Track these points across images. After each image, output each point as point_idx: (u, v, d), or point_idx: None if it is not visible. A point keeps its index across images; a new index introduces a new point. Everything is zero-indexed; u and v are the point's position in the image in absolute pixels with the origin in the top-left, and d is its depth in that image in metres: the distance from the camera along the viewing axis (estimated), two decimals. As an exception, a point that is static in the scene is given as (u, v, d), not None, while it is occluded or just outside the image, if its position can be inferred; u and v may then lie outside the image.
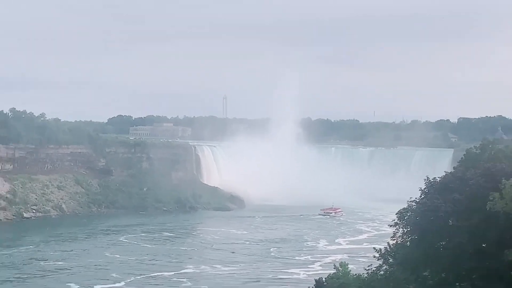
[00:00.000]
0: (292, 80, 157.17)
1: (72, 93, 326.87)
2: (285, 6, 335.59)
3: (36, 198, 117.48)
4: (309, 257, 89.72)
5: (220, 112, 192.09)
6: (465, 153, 27.85)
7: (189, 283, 72.48)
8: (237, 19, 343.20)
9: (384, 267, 23.46)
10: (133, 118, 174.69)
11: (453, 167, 29.74)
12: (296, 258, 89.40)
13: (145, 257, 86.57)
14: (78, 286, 70.47)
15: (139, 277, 74.63)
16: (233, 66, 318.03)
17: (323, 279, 35.28)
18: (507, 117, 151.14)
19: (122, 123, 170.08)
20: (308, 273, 75.42)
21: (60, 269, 79.74)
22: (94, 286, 68.82)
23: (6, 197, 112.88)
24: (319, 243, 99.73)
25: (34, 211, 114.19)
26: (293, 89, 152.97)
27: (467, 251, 19.36)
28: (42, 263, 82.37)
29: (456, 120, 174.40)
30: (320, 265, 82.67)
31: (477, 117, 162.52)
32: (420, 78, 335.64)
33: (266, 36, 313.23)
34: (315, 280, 36.67)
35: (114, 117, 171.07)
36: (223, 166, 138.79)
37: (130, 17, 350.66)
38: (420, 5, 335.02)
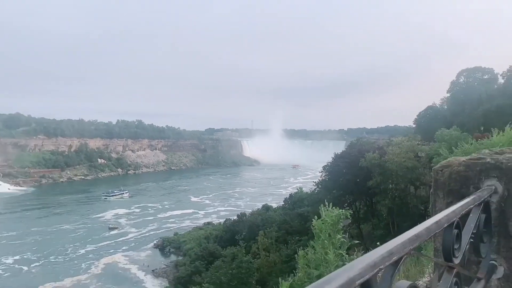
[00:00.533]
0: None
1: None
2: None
3: (176, 160, 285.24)
4: (286, 185, 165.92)
5: (250, 125, 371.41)
6: (349, 143, 54.41)
7: (237, 195, 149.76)
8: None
9: (317, 189, 47.79)
10: (215, 129, 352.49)
11: (345, 148, 58.33)
12: (281, 185, 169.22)
13: (219, 185, 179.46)
14: (194, 196, 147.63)
15: (216, 193, 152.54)
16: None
17: (292, 194, 72.58)
18: (368, 127, 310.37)
19: (211, 131, 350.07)
20: (286, 191, 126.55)
21: (185, 189, 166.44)
22: (201, 196, 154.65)
23: (164, 160, 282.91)
24: (290, 179, 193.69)
25: (176, 166, 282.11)
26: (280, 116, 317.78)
27: (351, 181, 40.03)
28: (178, 187, 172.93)
29: (347, 129, 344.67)
30: (291, 188, 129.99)
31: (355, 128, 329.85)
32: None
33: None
34: (289, 194, 75.04)
35: (208, 128, 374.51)
36: (251, 148, 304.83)
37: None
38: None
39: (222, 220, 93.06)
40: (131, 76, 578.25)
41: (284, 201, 78.23)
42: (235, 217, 75.29)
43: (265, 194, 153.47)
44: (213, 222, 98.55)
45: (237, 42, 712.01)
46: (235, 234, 63.84)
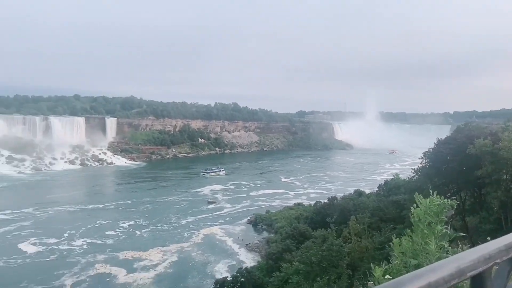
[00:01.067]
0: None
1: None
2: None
3: (268, 142, 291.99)
4: (380, 171, 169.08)
5: (343, 108, 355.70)
6: (455, 128, 47.12)
7: (327, 178, 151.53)
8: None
9: (415, 177, 43.52)
10: (306, 111, 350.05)
11: (450, 133, 50.45)
12: (375, 171, 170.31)
13: (310, 167, 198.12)
14: (285, 177, 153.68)
15: (306, 175, 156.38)
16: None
17: (388, 180, 69.29)
18: (478, 111, 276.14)
19: (302, 114, 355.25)
20: (380, 177, 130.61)
21: (276, 170, 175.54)
22: (291, 177, 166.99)
23: (256, 141, 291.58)
24: (386, 165, 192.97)
25: (267, 147, 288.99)
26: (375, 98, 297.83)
27: (456, 170, 35.78)
28: (269, 167, 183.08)
29: (452, 112, 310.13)
30: (386, 175, 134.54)
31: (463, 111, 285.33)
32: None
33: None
34: (384, 181, 72.58)
35: (299, 110, 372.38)
36: (343, 131, 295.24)
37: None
38: None
39: (312, 202, 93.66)
40: (229, 63, 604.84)
41: (378, 187, 75.38)
42: (326, 200, 75.09)
43: (357, 179, 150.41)
44: (303, 203, 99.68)
45: (331, 23, 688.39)
46: (325, 217, 63.89)
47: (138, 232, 77.05)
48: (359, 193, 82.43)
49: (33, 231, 74.96)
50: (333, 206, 67.09)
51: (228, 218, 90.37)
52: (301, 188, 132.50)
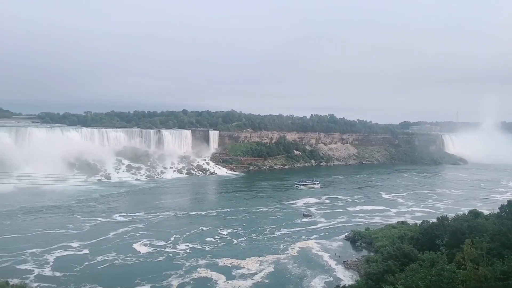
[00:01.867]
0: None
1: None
2: None
3: (367, 155, 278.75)
4: (502, 189, 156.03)
5: (454, 118, 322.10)
6: None
7: (436, 196, 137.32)
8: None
9: None
10: (410, 122, 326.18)
11: None
12: (496, 189, 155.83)
13: (415, 183, 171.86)
14: (386, 193, 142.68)
15: (411, 192, 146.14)
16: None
17: None
18: None
19: (406, 125, 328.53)
20: (502, 196, 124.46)
21: (376, 185, 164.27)
22: (392, 193, 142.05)
23: (354, 154, 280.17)
24: (509, 183, 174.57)
25: (367, 160, 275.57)
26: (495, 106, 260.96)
27: None
28: (369, 182, 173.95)
29: None
30: (510, 194, 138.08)
31: None
32: None
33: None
34: (507, 201, 58.93)
35: (403, 121, 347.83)
36: (455, 144, 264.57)
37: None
38: None
39: (417, 221, 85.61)
40: (324, 75, 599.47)
41: (500, 208, 65.27)
42: (434, 220, 67.80)
43: (472, 198, 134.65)
44: (407, 222, 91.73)
45: (438, 27, 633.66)
46: (434, 239, 57.56)
47: (235, 241, 79.67)
48: (475, 213, 72.53)
49: (145, 233, 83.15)
50: (443, 227, 60.07)
51: (323, 233, 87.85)
52: (405, 206, 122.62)
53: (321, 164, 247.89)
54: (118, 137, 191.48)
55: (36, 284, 54.46)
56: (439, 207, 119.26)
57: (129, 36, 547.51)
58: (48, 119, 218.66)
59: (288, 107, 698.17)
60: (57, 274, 59.17)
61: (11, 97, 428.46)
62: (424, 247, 53.62)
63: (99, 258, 66.58)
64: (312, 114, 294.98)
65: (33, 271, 60.09)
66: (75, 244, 73.44)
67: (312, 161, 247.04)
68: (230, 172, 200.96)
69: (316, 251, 74.44)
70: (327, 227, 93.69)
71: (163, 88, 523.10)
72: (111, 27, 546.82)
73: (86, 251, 70.03)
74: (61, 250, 69.81)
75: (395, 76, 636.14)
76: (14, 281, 54.13)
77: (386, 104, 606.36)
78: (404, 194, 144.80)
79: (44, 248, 70.21)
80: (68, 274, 59.12)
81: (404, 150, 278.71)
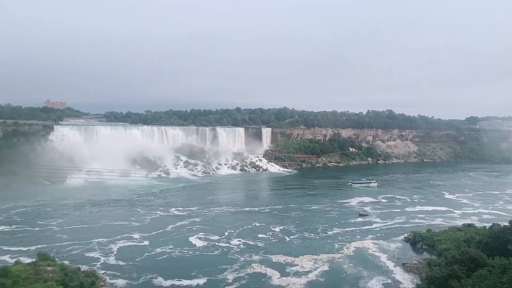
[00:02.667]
0: None
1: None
2: None
3: (428, 152, 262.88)
4: None
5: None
6: None
7: (507, 198, 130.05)
8: None
9: None
10: (478, 117, 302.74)
11: None
12: None
13: (483, 183, 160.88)
14: (449, 193, 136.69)
15: (478, 192, 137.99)
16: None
17: None
18: None
19: (473, 120, 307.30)
20: None
21: (438, 184, 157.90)
22: (457, 193, 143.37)
23: (415, 152, 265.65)
24: None
25: (428, 158, 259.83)
26: None
27: None
28: (430, 181, 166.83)
29: None
30: None
31: None
32: None
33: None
34: None
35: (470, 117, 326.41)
36: None
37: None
38: None
39: (486, 224, 79.17)
40: (382, 68, 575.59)
41: None
42: (506, 223, 62.02)
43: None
44: (474, 225, 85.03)
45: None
46: (505, 243, 52.74)
47: (287, 238, 79.25)
48: (555, 217, 65.25)
49: (201, 227, 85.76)
50: (516, 231, 54.77)
51: (380, 233, 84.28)
52: (471, 207, 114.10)
53: (378, 162, 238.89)
54: (176, 134, 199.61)
55: (102, 271, 58.39)
56: (510, 210, 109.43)
57: (186, 37, 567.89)
58: (113, 118, 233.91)
59: (343, 104, 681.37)
60: (121, 263, 62.98)
61: (81, 99, 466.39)
62: (494, 252, 49.36)
63: (158, 249, 69.81)
64: (368, 110, 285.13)
65: (100, 259, 64.58)
66: (136, 236, 77.73)
67: (369, 159, 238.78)
68: (283, 169, 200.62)
69: (373, 251, 71.64)
70: (384, 227, 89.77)
71: (218, 87, 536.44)
72: (170, 31, 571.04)
73: (146, 242, 73.81)
74: (124, 241, 74.28)
75: (460, 68, 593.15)
76: (83, 267, 58.68)
77: (450, 99, 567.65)
78: (470, 194, 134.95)
79: (109, 238, 75.19)
80: (130, 263, 62.70)
81: (470, 147, 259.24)
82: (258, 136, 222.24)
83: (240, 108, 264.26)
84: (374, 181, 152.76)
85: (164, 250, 69.77)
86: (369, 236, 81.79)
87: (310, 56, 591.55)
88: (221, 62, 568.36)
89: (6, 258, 62.94)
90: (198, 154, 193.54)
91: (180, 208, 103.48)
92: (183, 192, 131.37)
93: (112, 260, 64.16)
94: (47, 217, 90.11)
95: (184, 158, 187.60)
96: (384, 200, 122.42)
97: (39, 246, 68.28)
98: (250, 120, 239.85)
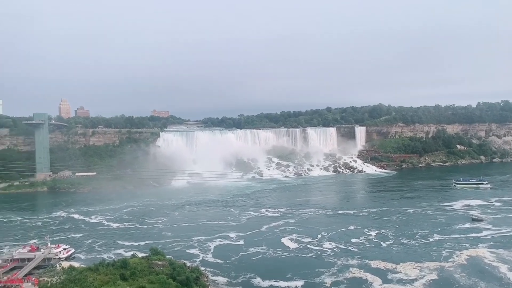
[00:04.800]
0: None
1: None
2: None
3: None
4: None
5: None
6: None
7: None
8: None
9: None
10: None
11: None
12: None
13: None
14: None
15: None
16: None
17: None
18: None
19: None
20: None
21: None
22: None
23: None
24: None
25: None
26: None
27: None
28: None
29: None
30: None
31: None
32: None
33: None
34: None
35: None
36: None
37: None
38: None
39: None
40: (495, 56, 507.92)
41: None
42: None
43: None
44: None
45: None
46: None
47: (384, 243, 73.92)
48: None
49: (294, 228, 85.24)
50: None
51: (497, 241, 73.44)
52: None
53: (493, 160, 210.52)
54: (267, 137, 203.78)
55: (203, 268, 61.59)
56: None
57: (276, 41, 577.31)
58: (210, 123, 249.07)
59: (447, 96, 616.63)
60: (218, 260, 65.83)
61: (182, 107, 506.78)
62: None
63: (252, 249, 71.23)
64: (479, 102, 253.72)
65: (199, 256, 68.46)
66: (232, 235, 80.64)
67: (482, 157, 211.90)
68: (380, 170, 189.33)
69: (490, 261, 62.63)
70: (499, 235, 78.00)
71: (307, 88, 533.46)
72: (260, 34, 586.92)
73: (241, 242, 76.01)
74: (221, 239, 77.65)
75: None
76: (188, 263, 62.62)
77: None
78: None
79: (207, 236, 79.41)
80: (227, 262, 65.12)
81: None
82: (351, 135, 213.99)
83: (331, 107, 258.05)
84: (486, 181, 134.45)
85: (258, 250, 70.90)
86: (481, 244, 71.97)
87: (408, 47, 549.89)
88: (311, 62, 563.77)
89: (122, 251, 70.81)
90: (290, 155, 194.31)
91: (273, 209, 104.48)
92: (275, 193, 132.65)
93: (210, 258, 67.44)
94: (152, 216, 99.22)
95: (276, 160, 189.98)
96: (498, 204, 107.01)
97: (147, 242, 75.31)
98: (342, 119, 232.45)
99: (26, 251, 65.52)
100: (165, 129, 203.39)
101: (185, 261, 62.44)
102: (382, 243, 74.46)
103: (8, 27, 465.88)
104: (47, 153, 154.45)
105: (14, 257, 63.79)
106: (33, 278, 53.12)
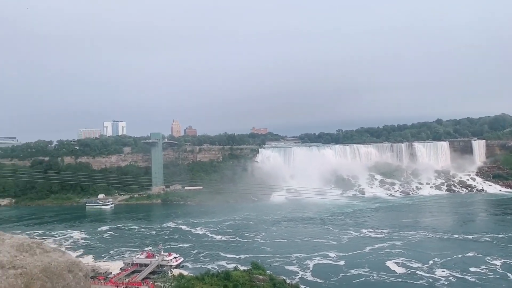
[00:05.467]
0: None
1: None
2: None
3: None
4: None
5: None
6: None
7: None
8: None
9: None
10: None
11: None
12: None
13: None
14: None
15: None
16: None
17: None
18: None
19: None
20: None
21: None
22: None
23: None
24: None
25: None
26: None
27: None
28: None
29: None
30: None
31: None
32: None
33: None
34: None
35: None
36: None
37: None
38: None
39: None
40: None
41: None
42: None
43: None
44: None
45: None
46: None
47: (510, 275, 62.70)
48: None
49: (401, 251, 78.25)
50: None
51: None
52: None
53: None
54: (369, 152, 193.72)
55: (303, 286, 60.24)
56: None
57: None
58: (307, 139, 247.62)
59: None
60: (318, 280, 63.73)
61: (279, 123, 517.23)
62: None
63: (353, 271, 67.32)
64: None
65: (298, 273, 67.27)
66: (332, 254, 77.57)
67: None
68: (505, 189, 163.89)
69: None
70: None
71: (413, 99, 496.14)
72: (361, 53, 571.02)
73: (342, 262, 72.53)
74: (320, 258, 75.28)
75: None
76: (287, 279, 62.07)
77: None
78: None
79: (306, 254, 77.76)
80: (327, 282, 62.64)
81: None
82: (468, 150, 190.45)
83: (442, 119, 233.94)
84: None
85: (360, 272, 66.72)
86: None
87: None
88: (419, 72, 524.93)
89: (224, 263, 73.66)
90: (394, 172, 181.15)
91: (376, 230, 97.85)
92: (378, 213, 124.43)
93: (309, 276, 65.74)
94: (252, 230, 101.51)
95: (379, 177, 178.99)
96: None
97: (248, 255, 76.99)
98: (455, 132, 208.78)
99: (144, 257, 72.77)
100: (263, 146, 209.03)
101: (284, 278, 61.91)
102: (510, 275, 63.43)
103: (132, 62, 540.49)
104: (161, 169, 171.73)
105: (134, 262, 71.42)
106: (150, 282, 58.80)
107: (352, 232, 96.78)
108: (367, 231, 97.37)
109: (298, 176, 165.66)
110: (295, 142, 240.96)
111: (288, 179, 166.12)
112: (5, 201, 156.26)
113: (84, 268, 8.57)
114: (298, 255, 77.23)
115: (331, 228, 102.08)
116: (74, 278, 8.16)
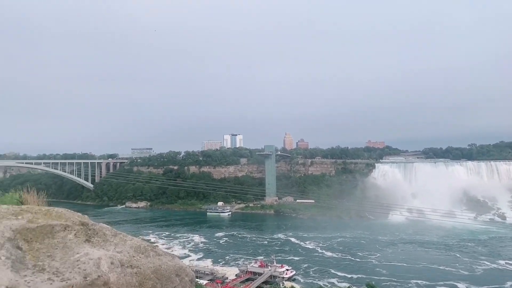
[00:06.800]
0: None
1: None
2: None
3: None
4: None
5: None
6: None
7: None
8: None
9: None
10: None
11: None
12: None
13: None
14: None
15: None
16: None
17: None
18: None
19: None
20: None
21: None
22: None
23: None
24: None
25: None
26: None
27: None
28: None
29: None
30: None
31: None
32: None
33: None
34: None
35: None
36: None
37: None
38: None
39: None
40: None
41: None
42: None
43: None
44: None
45: None
46: None
47: None
48: None
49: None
50: None
51: None
52: None
53: None
54: (510, 170, 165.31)
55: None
56: None
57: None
58: (432, 154, 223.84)
59: None
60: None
61: (398, 136, 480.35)
62: None
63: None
64: None
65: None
66: (461, 286, 67.88)
67: None
68: None
69: None
70: None
71: None
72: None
73: (475, 296, 62.65)
74: (445, 288, 66.43)
75: None
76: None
77: None
78: None
79: (429, 282, 69.71)
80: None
81: None
82: None
83: None
84: None
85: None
86: None
87: None
88: None
89: (335, 281, 70.92)
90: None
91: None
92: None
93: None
94: (364, 249, 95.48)
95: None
96: None
97: (360, 276, 72.65)
98: None
99: (257, 266, 74.93)
100: (380, 160, 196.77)
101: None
102: None
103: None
104: (274, 180, 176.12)
105: (248, 269, 74.04)
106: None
107: (486, 262, 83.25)
108: (506, 262, 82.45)
109: (421, 194, 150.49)
110: (418, 157, 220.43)
111: (409, 198, 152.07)
112: (143, 204, 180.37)
113: (190, 274, 8.83)
114: (419, 281, 69.65)
115: (458, 255, 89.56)
116: (181, 282, 8.42)
